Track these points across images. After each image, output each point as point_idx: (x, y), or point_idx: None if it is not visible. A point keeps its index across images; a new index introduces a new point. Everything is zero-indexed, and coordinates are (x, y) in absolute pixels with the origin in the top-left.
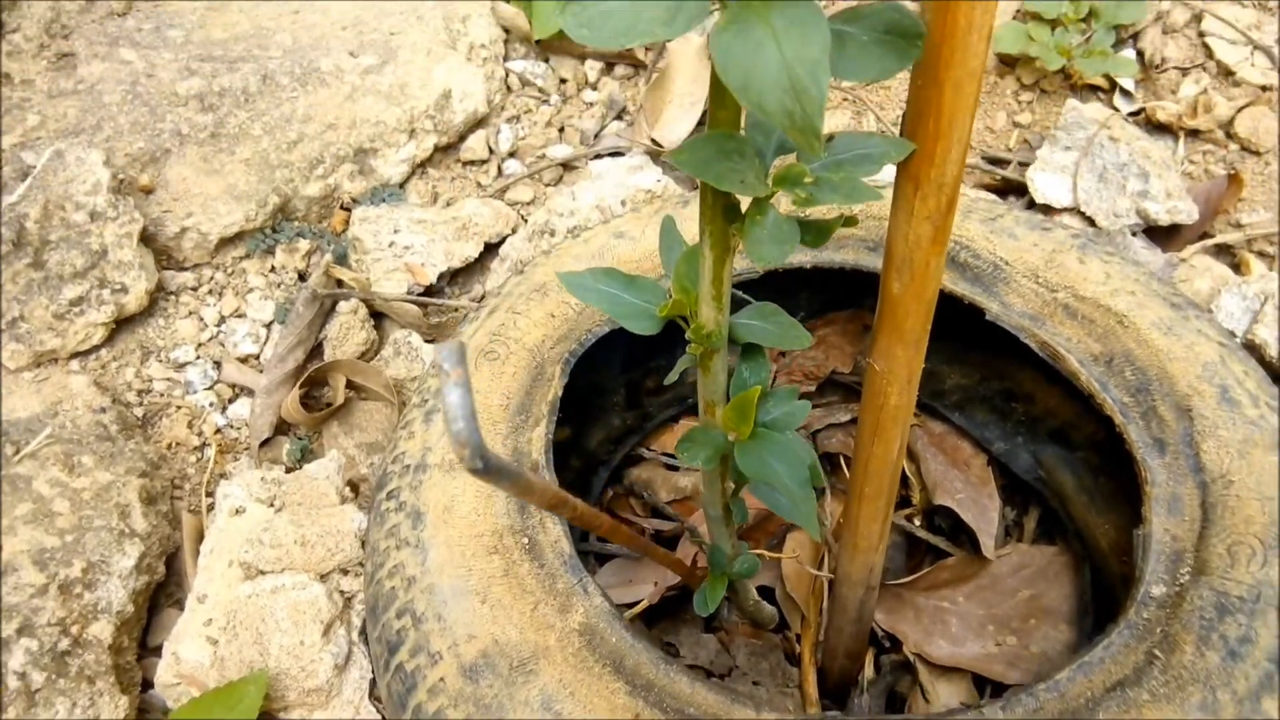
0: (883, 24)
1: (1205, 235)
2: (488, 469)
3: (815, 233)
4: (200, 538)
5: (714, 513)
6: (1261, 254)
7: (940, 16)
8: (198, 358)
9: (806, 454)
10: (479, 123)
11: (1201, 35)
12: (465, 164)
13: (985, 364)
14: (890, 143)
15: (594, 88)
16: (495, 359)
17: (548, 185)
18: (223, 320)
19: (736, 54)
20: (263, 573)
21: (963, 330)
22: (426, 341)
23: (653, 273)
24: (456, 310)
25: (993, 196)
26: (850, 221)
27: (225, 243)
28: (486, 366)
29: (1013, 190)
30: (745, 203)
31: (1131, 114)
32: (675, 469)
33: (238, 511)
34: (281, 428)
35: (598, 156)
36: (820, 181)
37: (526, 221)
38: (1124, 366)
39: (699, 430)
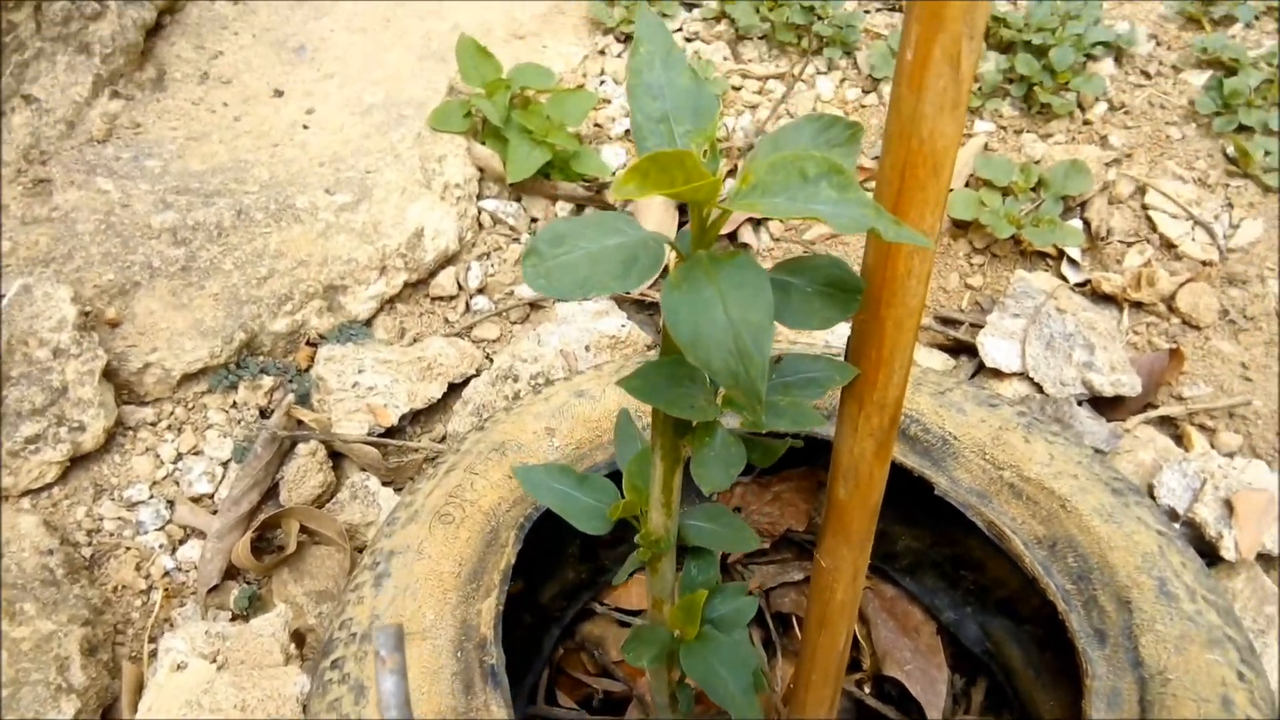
0: (824, 277)
1: (1149, 405)
2: None
3: (762, 452)
4: (140, 688)
5: (660, 699)
6: (1203, 427)
7: (881, 263)
8: (151, 497)
9: (750, 659)
10: (450, 260)
11: (1145, 208)
12: (434, 300)
13: (936, 529)
14: (836, 367)
15: None
16: (450, 522)
17: (514, 323)
18: (180, 458)
19: (685, 312)
20: None
21: (915, 495)
22: (384, 484)
23: (612, 431)
24: (417, 451)
25: (946, 359)
26: (796, 443)
27: (188, 378)
28: (441, 530)
29: (965, 350)
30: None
31: (1078, 284)
32: (628, 625)
33: (179, 667)
34: (231, 573)
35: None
36: (769, 406)
37: (491, 362)
38: (1067, 552)
39: (645, 629)
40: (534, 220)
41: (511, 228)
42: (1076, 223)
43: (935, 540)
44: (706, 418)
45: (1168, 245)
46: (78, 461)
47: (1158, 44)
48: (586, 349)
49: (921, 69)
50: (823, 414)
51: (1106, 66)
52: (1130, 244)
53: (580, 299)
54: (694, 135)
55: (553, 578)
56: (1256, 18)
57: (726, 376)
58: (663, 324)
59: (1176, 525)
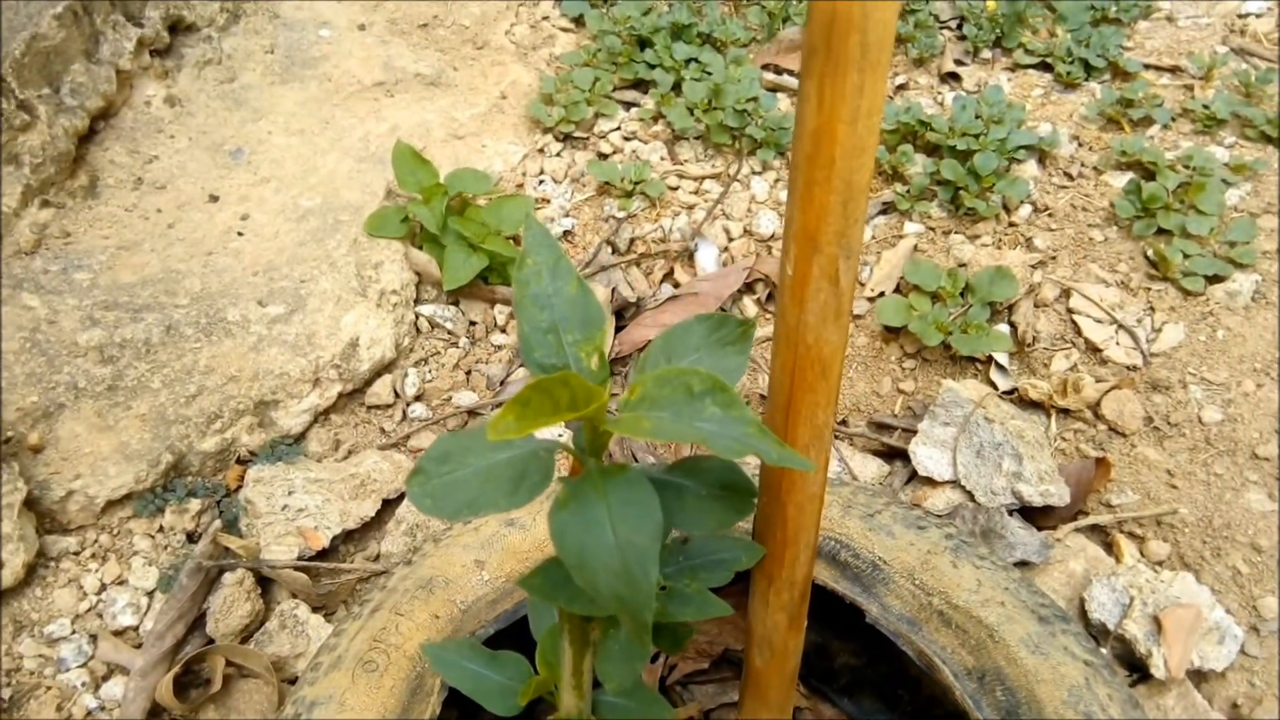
0: (718, 480)
1: (1080, 513)
2: None
3: (670, 640)
4: None
5: None
6: (1132, 535)
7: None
8: (73, 632)
9: None
10: (386, 367)
11: (1070, 312)
12: (369, 409)
13: (871, 647)
14: (743, 547)
15: (503, 330)
16: (374, 670)
17: (452, 432)
18: (103, 588)
19: (573, 533)
20: None
21: (848, 618)
22: (315, 610)
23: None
24: (350, 573)
25: (876, 470)
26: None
27: (113, 504)
28: (364, 679)
29: (898, 456)
30: None
31: (1006, 391)
32: None
33: None
34: (155, 711)
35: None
36: (673, 593)
37: None
38: (995, 685)
39: None
40: (472, 324)
41: (450, 332)
42: (1003, 328)
43: (872, 658)
44: (606, 613)
45: (1093, 349)
46: None
47: (1079, 145)
48: None
49: (802, 285)
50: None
51: (1030, 168)
52: (1056, 349)
53: (467, 520)
54: (583, 345)
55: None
56: (1173, 119)
57: (613, 601)
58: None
59: (1109, 641)
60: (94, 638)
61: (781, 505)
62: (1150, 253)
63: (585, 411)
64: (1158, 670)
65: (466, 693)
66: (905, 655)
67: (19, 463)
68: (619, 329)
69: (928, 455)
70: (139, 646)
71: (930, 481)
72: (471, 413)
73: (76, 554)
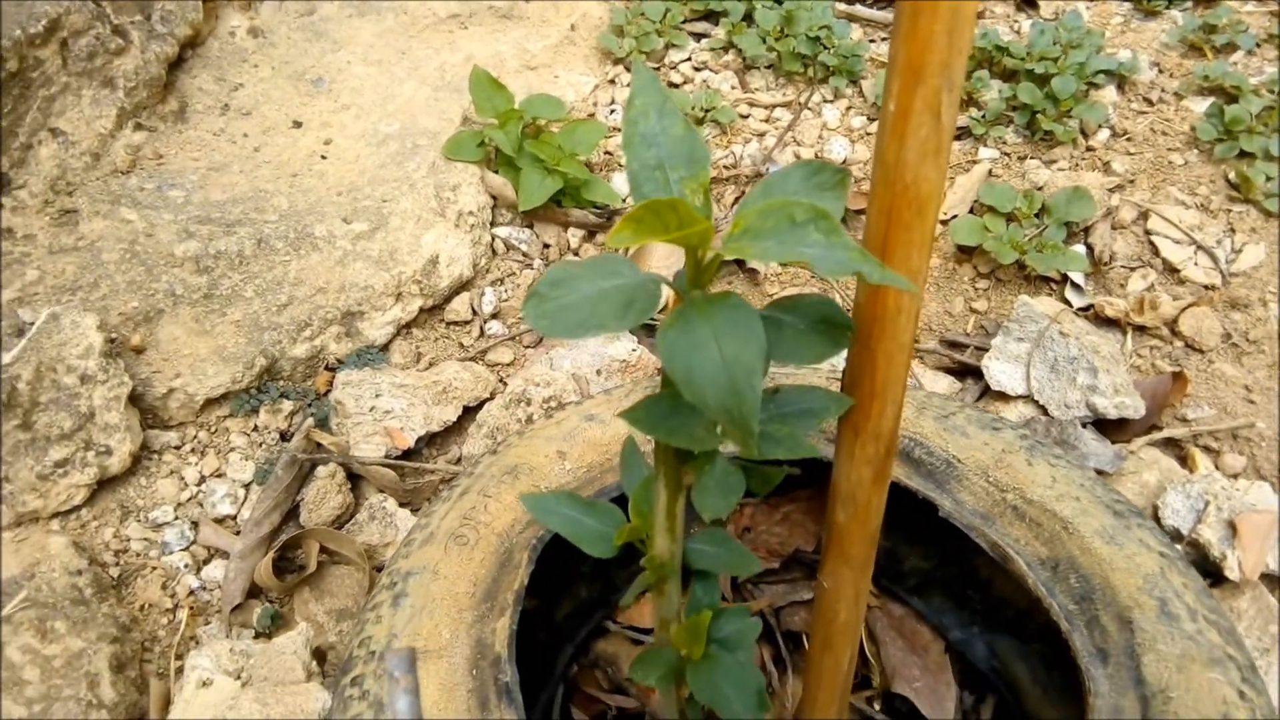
0: (815, 315)
1: (1154, 428)
2: None
3: (760, 480)
4: (167, 704)
5: (670, 715)
6: (1207, 449)
7: (872, 300)
8: (176, 518)
9: (755, 678)
10: (464, 286)
11: (1148, 234)
12: (449, 325)
13: (942, 549)
14: (832, 398)
15: (576, 253)
16: (465, 544)
17: (527, 347)
18: (203, 480)
19: (680, 351)
20: None
21: (921, 516)
22: (401, 506)
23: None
24: (433, 473)
25: (951, 381)
26: (793, 471)
27: (211, 403)
28: (456, 551)
29: (970, 373)
30: None
31: (1081, 309)
32: (641, 644)
33: (205, 684)
34: (254, 592)
35: None
36: (765, 436)
37: (505, 385)
38: (1069, 573)
39: (653, 650)
40: (546, 246)
41: (524, 254)
42: (1080, 248)
43: (942, 560)
44: (705, 448)
45: (1170, 270)
46: (105, 484)
47: (1160, 71)
48: (598, 373)
49: (904, 120)
50: (826, 436)
51: (1109, 94)
52: (1133, 269)
53: (581, 339)
54: (688, 182)
55: (566, 596)
56: (1258, 45)
57: (720, 413)
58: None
59: (1180, 546)
60: (195, 524)
61: (871, 354)
62: (1232, 175)
63: (691, 230)
64: (1232, 573)
65: (565, 535)
66: (975, 558)
67: (123, 360)
68: None
69: (1001, 370)
70: (237, 534)
71: (1003, 396)
72: None
73: (177, 448)
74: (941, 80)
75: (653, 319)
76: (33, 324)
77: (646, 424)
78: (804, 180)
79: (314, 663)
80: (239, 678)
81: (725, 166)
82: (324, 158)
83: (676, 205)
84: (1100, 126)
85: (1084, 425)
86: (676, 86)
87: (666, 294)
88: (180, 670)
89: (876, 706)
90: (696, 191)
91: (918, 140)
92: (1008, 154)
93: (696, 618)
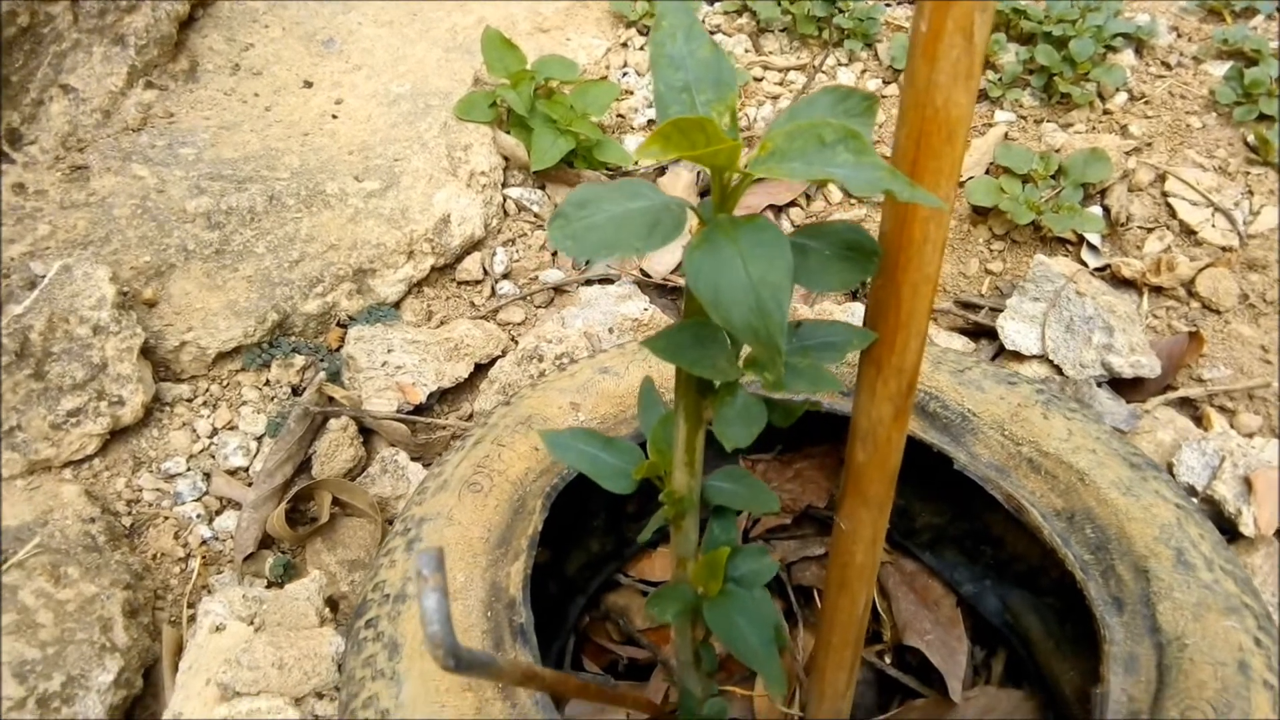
0: (842, 241)
1: (1169, 388)
2: (460, 666)
3: (781, 413)
4: (179, 650)
5: (685, 657)
6: (1222, 409)
7: (898, 230)
8: (188, 469)
9: (771, 615)
10: (475, 245)
11: (1165, 195)
12: (460, 284)
13: (955, 505)
14: (854, 332)
15: None
16: (479, 491)
17: (539, 307)
18: (215, 433)
19: (707, 271)
20: (239, 694)
21: (933, 472)
22: (413, 460)
23: (635, 408)
24: (445, 429)
25: (965, 342)
26: (815, 405)
27: (223, 356)
28: (470, 498)
29: (984, 334)
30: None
31: (1098, 269)
32: None
33: (218, 628)
34: (266, 542)
35: (588, 283)
36: (788, 368)
37: (517, 344)
38: (1084, 524)
39: (669, 587)
40: (557, 207)
41: (536, 215)
42: (1096, 210)
43: (954, 516)
44: (728, 378)
45: (1187, 232)
46: (117, 435)
47: (1178, 35)
48: (610, 331)
49: (935, 40)
50: (842, 388)
51: (1127, 57)
52: (1150, 230)
53: (603, 259)
54: (715, 104)
55: (577, 549)
56: (1279, 9)
57: (747, 333)
58: (686, 286)
59: (1194, 502)
60: (207, 475)
61: (896, 286)
62: (1250, 138)
63: (720, 148)
64: (1247, 529)
65: (584, 471)
66: (988, 514)
67: (135, 313)
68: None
69: (1016, 330)
70: (249, 485)
71: (1017, 355)
72: (557, 289)
73: (189, 400)
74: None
75: (666, 279)
76: (44, 277)
77: (669, 352)
78: (831, 106)
79: (327, 609)
80: (252, 623)
81: (739, 128)
82: (335, 117)
83: (704, 124)
84: (1118, 90)
85: (1099, 384)
86: None
87: (690, 221)
88: (193, 618)
89: (887, 660)
90: (723, 114)
91: (949, 62)
92: (1024, 117)
93: (714, 553)
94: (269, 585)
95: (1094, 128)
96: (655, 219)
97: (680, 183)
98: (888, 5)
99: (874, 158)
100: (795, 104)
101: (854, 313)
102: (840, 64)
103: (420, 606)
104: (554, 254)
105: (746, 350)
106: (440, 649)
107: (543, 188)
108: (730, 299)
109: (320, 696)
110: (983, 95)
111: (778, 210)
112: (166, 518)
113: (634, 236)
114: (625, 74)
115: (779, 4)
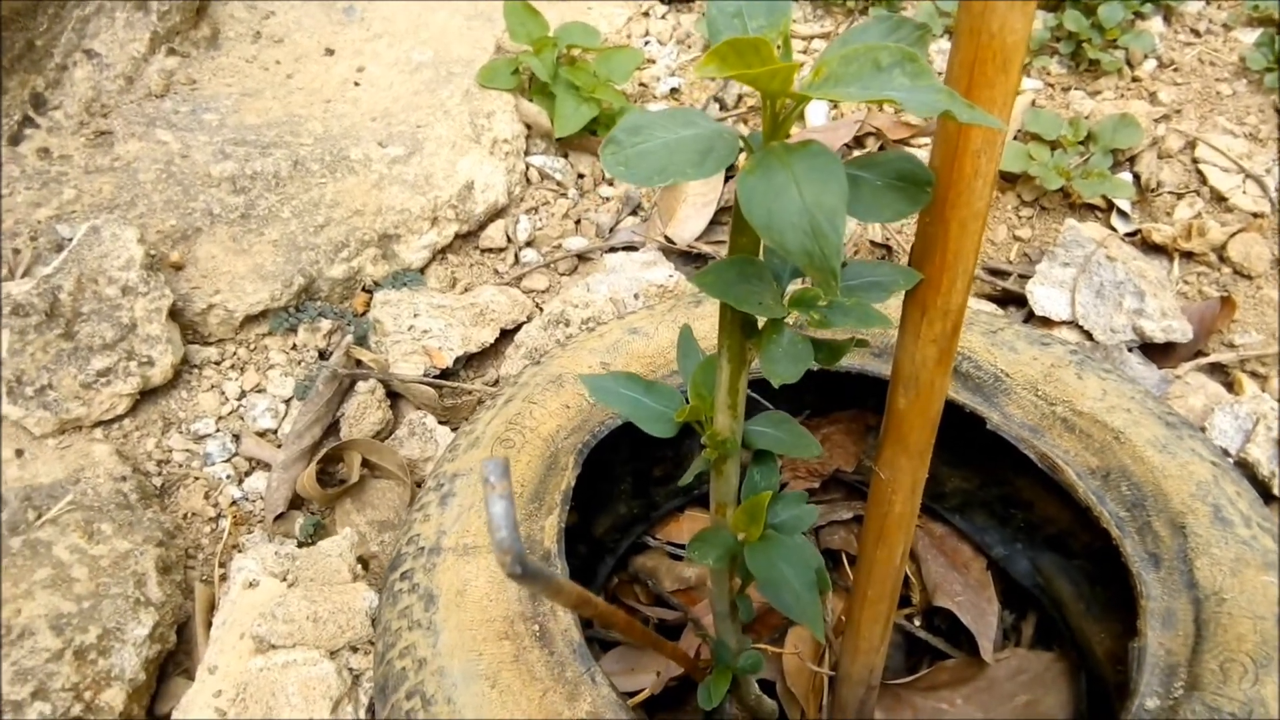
0: (895, 171)
1: (1200, 354)
2: (525, 574)
3: (828, 352)
4: (212, 608)
5: (721, 609)
6: (1254, 374)
7: (949, 164)
8: (217, 430)
9: (813, 558)
10: (499, 213)
11: (1196, 162)
12: (484, 251)
13: (985, 469)
14: (899, 271)
15: (610, 183)
16: (511, 447)
17: (563, 275)
18: (243, 395)
19: (761, 196)
20: (274, 647)
21: (964, 436)
22: (440, 423)
23: (665, 368)
24: (471, 393)
25: (994, 309)
26: (861, 343)
27: (250, 320)
28: (503, 454)
29: (1012, 301)
30: (762, 320)
31: (1128, 234)
32: (679, 559)
33: (251, 584)
34: (295, 503)
35: (612, 250)
36: (834, 305)
37: (542, 310)
38: (1120, 481)
39: (710, 530)
40: (580, 176)
41: (559, 183)
42: (1126, 176)
43: (984, 481)
44: (774, 315)
45: (1218, 198)
46: (147, 395)
47: (1207, 3)
48: (635, 297)
49: None
50: (891, 324)
51: (1155, 25)
52: (1180, 196)
53: (656, 186)
54: (767, 31)
55: (605, 513)
56: None
57: (802, 256)
58: (733, 220)
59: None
60: (237, 436)
61: (945, 223)
62: None
63: (775, 67)
64: None
65: (625, 415)
66: (1019, 477)
67: (163, 275)
68: (729, 178)
69: (1045, 295)
70: (279, 446)
71: (1047, 321)
72: (581, 256)
73: (217, 363)
74: None
75: (691, 245)
76: (71, 239)
77: (716, 288)
78: (884, 35)
79: (359, 566)
80: (285, 579)
81: None
82: (357, 84)
83: (759, 44)
84: (1146, 56)
85: (1130, 349)
86: None
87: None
88: (224, 576)
89: (917, 623)
90: (776, 39)
91: None
92: (1051, 84)
93: (755, 498)
94: (299, 545)
95: (1122, 95)
96: (708, 146)
97: None
98: None
99: (932, 79)
100: (846, 32)
101: None
102: None
103: (487, 513)
104: (577, 222)
105: (791, 289)
106: (508, 555)
107: (565, 155)
108: (784, 222)
109: (354, 650)
110: None
111: None
112: (196, 478)
113: (687, 163)
114: (647, 42)
115: None
